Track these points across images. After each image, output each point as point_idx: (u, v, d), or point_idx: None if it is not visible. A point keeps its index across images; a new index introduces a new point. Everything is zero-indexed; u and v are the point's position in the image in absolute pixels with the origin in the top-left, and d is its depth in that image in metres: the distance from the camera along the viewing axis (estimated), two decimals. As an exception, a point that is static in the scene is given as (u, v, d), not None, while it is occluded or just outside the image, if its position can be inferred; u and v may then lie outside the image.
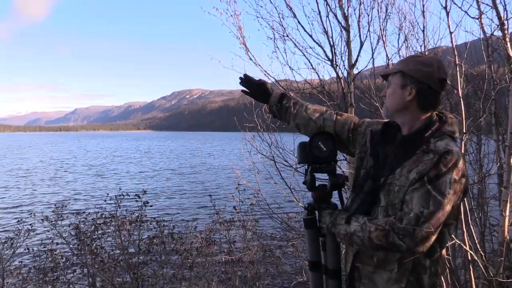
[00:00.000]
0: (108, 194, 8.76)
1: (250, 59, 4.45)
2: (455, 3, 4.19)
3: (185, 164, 40.22)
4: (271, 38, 4.59)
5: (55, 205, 9.32)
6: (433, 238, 1.58)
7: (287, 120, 2.19)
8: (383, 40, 4.28)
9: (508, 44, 4.14)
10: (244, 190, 8.08)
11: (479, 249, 4.13)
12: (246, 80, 2.24)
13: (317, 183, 1.95)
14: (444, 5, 3.79)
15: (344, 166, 4.67)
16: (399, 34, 4.74)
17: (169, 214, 14.36)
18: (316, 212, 1.91)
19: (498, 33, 4.40)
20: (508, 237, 4.22)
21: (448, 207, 1.58)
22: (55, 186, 24.52)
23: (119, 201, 7.97)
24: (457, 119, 1.88)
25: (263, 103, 2.29)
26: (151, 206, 8.34)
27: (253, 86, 2.23)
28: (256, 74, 4.60)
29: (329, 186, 1.90)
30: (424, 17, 4.16)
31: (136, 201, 7.67)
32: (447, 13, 3.76)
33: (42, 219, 8.24)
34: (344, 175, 1.91)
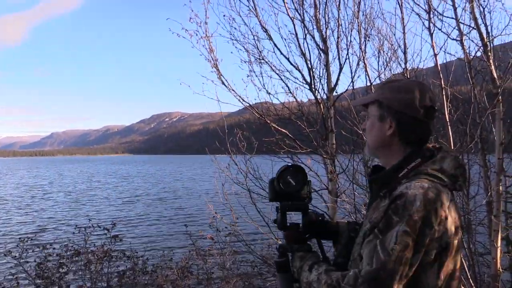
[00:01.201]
0: (76, 225, 8.26)
1: (223, 83, 4.17)
2: (435, 26, 4.04)
3: (164, 189, 39.39)
4: (245, 62, 4.34)
5: (20, 238, 8.71)
6: None
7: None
8: (364, 62, 4.06)
9: (493, 66, 3.98)
10: (222, 218, 7.71)
11: (472, 284, 3.85)
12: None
13: (292, 221, 1.77)
14: (427, 26, 3.60)
15: (326, 196, 4.39)
16: (378, 57, 4.56)
17: (145, 243, 13.77)
18: (290, 254, 1.72)
19: (480, 54, 4.26)
20: (501, 269, 3.97)
21: (398, 267, 1.27)
22: (28, 215, 23.45)
23: (88, 234, 7.49)
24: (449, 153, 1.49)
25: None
26: (126, 235, 7.88)
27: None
28: (229, 100, 4.31)
29: (301, 225, 1.73)
30: (405, 39, 3.99)
31: (105, 234, 7.18)
32: (431, 34, 3.58)
33: (5, 254, 7.67)
34: (317, 214, 1.74)
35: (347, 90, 4.61)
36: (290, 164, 1.82)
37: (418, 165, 1.43)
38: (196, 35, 4.05)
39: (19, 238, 8.97)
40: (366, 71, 4.16)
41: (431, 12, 3.67)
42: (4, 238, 15.94)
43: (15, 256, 7.51)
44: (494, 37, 4.10)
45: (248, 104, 4.39)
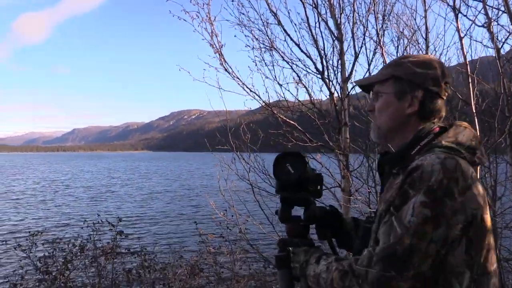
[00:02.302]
0: (85, 220, 8.13)
1: (227, 70, 3.87)
2: (460, 11, 3.67)
3: (181, 186, 39.47)
4: (253, 48, 4.04)
5: (29, 232, 8.65)
6: (400, 285, 1.12)
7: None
8: (381, 47, 3.72)
9: (525, 53, 3.59)
10: (232, 216, 7.48)
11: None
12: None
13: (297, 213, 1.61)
14: (452, 4, 3.22)
15: (339, 195, 4.08)
16: (397, 44, 4.21)
17: (157, 240, 13.65)
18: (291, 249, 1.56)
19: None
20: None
21: (418, 242, 1.12)
22: (46, 210, 23.66)
23: (96, 230, 7.35)
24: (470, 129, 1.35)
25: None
26: (139, 232, 7.74)
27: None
28: (233, 88, 4.02)
29: (302, 218, 1.58)
30: (426, 23, 3.63)
31: (110, 230, 7.01)
32: (456, 15, 3.19)
33: (14, 247, 7.61)
34: (319, 207, 1.56)
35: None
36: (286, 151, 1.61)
37: (431, 140, 1.30)
38: (198, 17, 3.77)
39: (29, 231, 8.93)
40: (384, 58, 3.81)
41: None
42: (20, 233, 16.06)
43: (24, 249, 7.43)
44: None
45: (256, 95, 4.09)
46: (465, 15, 3.85)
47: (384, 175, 1.40)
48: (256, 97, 3.98)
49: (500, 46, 3.87)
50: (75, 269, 6.88)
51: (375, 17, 4.00)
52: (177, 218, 20.12)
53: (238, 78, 3.88)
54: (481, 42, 3.85)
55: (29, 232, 8.30)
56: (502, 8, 3.70)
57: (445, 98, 1.38)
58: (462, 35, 3.36)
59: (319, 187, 1.57)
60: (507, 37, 3.68)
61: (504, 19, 3.55)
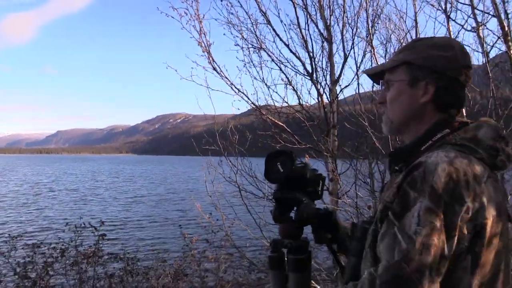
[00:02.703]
0: (67, 223, 7.94)
1: (215, 69, 3.80)
2: (450, 17, 3.66)
3: (166, 190, 39.09)
4: (242, 48, 3.98)
5: (9, 235, 8.40)
6: None
7: None
8: (372, 47, 3.68)
9: (513, 58, 3.59)
10: (217, 220, 7.38)
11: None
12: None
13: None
14: (443, 8, 3.21)
15: (326, 198, 4.01)
16: (386, 46, 4.20)
17: (140, 244, 13.43)
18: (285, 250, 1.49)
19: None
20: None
21: (427, 258, 0.92)
22: (28, 214, 23.14)
23: (78, 233, 7.16)
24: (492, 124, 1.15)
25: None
26: (122, 236, 7.58)
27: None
28: (221, 88, 3.95)
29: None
30: (417, 26, 3.61)
31: (93, 233, 6.85)
32: (447, 18, 3.17)
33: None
34: (310, 208, 1.44)
35: (351, 83, 4.26)
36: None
37: (446, 135, 1.13)
38: (186, 15, 3.69)
39: (8, 234, 8.67)
40: (375, 58, 3.77)
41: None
42: (0, 237, 15.65)
43: (3, 253, 7.21)
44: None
45: (244, 95, 4.02)
46: (454, 20, 3.86)
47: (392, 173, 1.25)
48: (245, 97, 3.92)
49: (489, 50, 3.87)
50: (56, 273, 6.69)
51: (367, 17, 3.97)
52: (162, 222, 19.87)
53: (226, 77, 3.82)
54: (469, 46, 3.84)
55: (9, 235, 8.07)
56: (492, 12, 3.70)
57: (466, 85, 1.20)
58: (453, 37, 3.36)
59: (318, 188, 1.49)
60: (496, 41, 3.67)
61: (493, 23, 3.56)
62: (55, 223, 18.82)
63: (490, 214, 1.01)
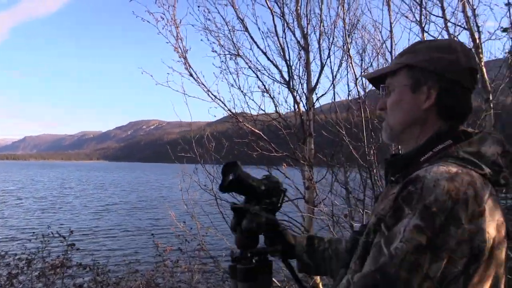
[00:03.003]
0: (34, 233, 7.66)
1: (191, 75, 3.75)
2: (424, 30, 3.74)
3: (137, 197, 38.40)
4: (219, 54, 3.94)
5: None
6: None
7: (324, 269, 1.49)
8: (349, 56, 3.71)
9: (484, 69, 3.69)
10: (191, 229, 7.27)
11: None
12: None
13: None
14: (418, 20, 3.28)
15: (301, 206, 4.00)
16: (362, 56, 4.24)
17: (111, 253, 13.09)
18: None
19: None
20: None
21: (404, 275, 0.89)
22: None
23: (45, 242, 6.91)
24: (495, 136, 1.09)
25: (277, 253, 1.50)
26: (91, 246, 7.36)
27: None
28: (197, 94, 3.90)
29: None
30: (392, 37, 3.67)
31: (61, 242, 6.62)
32: (422, 28, 3.24)
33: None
34: (252, 219, 1.40)
35: (327, 92, 4.28)
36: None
37: (448, 147, 1.06)
38: (163, 19, 3.63)
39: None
40: (352, 68, 3.80)
41: (422, 5, 3.37)
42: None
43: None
44: (486, 40, 3.84)
45: (221, 102, 3.98)
46: (428, 32, 3.95)
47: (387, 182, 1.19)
48: (221, 104, 3.88)
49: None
50: (21, 285, 6.42)
51: (343, 26, 4.01)
52: (134, 231, 19.45)
53: (203, 84, 3.77)
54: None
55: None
56: (464, 25, 3.80)
57: (472, 89, 1.13)
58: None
59: (276, 199, 1.46)
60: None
61: (465, 36, 3.66)
62: (21, 233, 18.15)
63: (490, 236, 0.96)
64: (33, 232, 7.78)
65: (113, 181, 67.88)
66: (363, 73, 4.00)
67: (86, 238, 16.73)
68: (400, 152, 1.31)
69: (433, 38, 4.03)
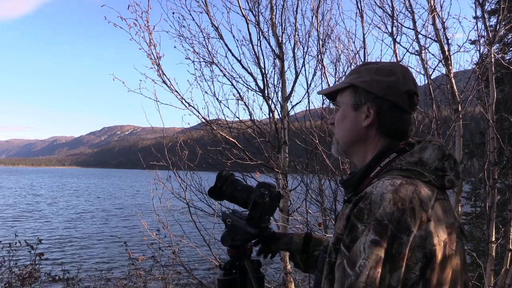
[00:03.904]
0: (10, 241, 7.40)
1: (165, 82, 3.70)
2: (396, 40, 3.82)
3: (111, 205, 37.67)
4: (193, 61, 3.91)
5: None
6: None
7: (313, 271, 1.53)
8: (322, 69, 3.75)
9: (453, 80, 3.79)
10: (165, 237, 7.15)
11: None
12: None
13: None
14: (389, 31, 3.35)
15: (276, 214, 3.99)
16: (335, 65, 4.30)
17: (82, 263, 12.75)
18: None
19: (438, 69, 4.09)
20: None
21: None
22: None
23: (13, 252, 6.69)
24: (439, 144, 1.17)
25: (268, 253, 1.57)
26: (61, 255, 7.15)
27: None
28: (171, 102, 3.86)
29: None
30: (365, 47, 3.73)
31: (29, 252, 6.41)
32: (394, 40, 3.31)
33: None
34: (227, 230, 1.47)
35: (302, 100, 4.31)
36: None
37: (392, 160, 1.14)
38: (136, 25, 3.59)
39: None
40: (325, 77, 3.85)
41: (394, 17, 3.44)
42: None
43: None
44: (455, 52, 3.95)
45: (195, 110, 3.95)
46: (399, 43, 4.04)
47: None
48: (195, 111, 3.85)
49: (431, 73, 4.06)
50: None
51: (317, 36, 4.05)
52: (106, 240, 19.05)
53: (176, 91, 3.73)
54: (414, 69, 4.02)
55: None
56: (434, 37, 3.89)
57: (411, 111, 1.21)
58: (399, 59, 3.50)
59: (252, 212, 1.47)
60: (437, 65, 3.87)
61: (435, 48, 3.77)
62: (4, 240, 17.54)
63: (440, 239, 1.02)
64: (0, 241, 7.50)
65: (87, 188, 66.42)
66: (336, 82, 4.06)
67: (57, 247, 16.30)
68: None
69: (404, 48, 4.13)
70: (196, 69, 3.95)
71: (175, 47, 3.82)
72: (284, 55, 4.28)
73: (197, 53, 4.12)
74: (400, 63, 3.60)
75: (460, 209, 3.86)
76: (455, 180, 1.12)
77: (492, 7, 6.50)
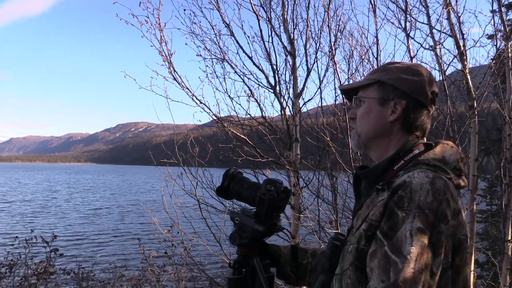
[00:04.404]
0: (17, 237, 7.53)
1: (175, 79, 3.70)
2: (410, 36, 3.76)
3: (126, 201, 38.06)
4: (205, 58, 3.91)
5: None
6: None
7: (303, 282, 1.58)
8: (334, 66, 3.71)
9: (468, 76, 3.71)
10: (178, 233, 7.19)
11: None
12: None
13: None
14: (403, 27, 3.28)
15: (288, 212, 3.97)
16: (349, 62, 4.25)
17: (97, 259, 12.92)
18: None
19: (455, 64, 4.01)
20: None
21: (420, 276, 0.98)
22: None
23: (29, 247, 6.80)
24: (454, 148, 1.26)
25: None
26: (77, 250, 7.25)
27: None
28: (182, 99, 3.86)
29: None
30: (378, 43, 3.68)
31: (45, 248, 6.51)
32: (407, 36, 3.25)
33: None
34: (234, 230, 1.46)
35: (314, 97, 4.27)
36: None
37: (418, 155, 1.20)
38: (147, 23, 3.59)
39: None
40: (337, 74, 3.80)
41: (407, 12, 3.38)
42: None
43: None
44: (471, 47, 3.87)
45: (206, 107, 3.94)
46: (413, 38, 3.97)
47: (359, 193, 1.31)
48: (206, 109, 3.85)
49: (445, 69, 3.99)
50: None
51: (329, 32, 4.00)
52: (122, 235, 19.29)
53: (187, 88, 3.73)
54: (428, 64, 3.95)
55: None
56: (448, 32, 3.82)
57: (431, 110, 1.29)
58: (412, 55, 3.44)
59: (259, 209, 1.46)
60: (452, 60, 3.79)
61: (450, 43, 3.69)
62: (5, 237, 17.85)
63: (465, 229, 1.12)
64: (16, 237, 7.63)
65: (103, 184, 67.24)
66: (348, 78, 4.02)
67: (72, 243, 16.55)
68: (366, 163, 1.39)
69: (418, 44, 4.07)
70: (207, 66, 3.95)
71: (186, 44, 3.83)
72: (296, 52, 4.25)
73: (209, 50, 4.11)
74: (414, 58, 3.54)
75: (475, 207, 3.79)
76: (466, 180, 1.22)
77: (510, 0, 6.35)
